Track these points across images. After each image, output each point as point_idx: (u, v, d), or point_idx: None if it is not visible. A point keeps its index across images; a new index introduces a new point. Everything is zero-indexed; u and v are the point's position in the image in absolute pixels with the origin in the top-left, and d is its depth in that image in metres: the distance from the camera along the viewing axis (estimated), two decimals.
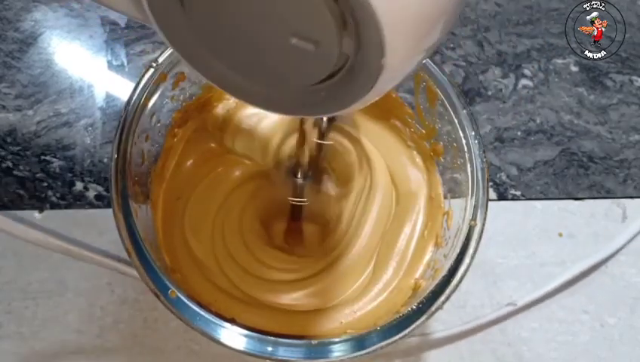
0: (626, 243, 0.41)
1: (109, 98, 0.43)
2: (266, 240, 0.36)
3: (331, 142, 0.37)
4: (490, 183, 0.43)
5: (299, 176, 0.34)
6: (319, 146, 0.36)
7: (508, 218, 0.42)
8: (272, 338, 0.27)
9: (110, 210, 0.29)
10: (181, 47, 0.20)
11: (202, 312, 0.27)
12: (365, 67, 0.17)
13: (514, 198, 0.43)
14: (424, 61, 0.19)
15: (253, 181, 0.37)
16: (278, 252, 0.35)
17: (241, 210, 0.36)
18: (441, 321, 0.38)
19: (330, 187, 0.38)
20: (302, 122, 0.29)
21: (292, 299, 0.34)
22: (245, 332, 0.27)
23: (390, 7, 0.14)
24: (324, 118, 0.33)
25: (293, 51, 0.17)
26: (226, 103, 0.38)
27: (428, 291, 0.29)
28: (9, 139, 0.41)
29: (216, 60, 0.19)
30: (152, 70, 0.32)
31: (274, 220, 0.37)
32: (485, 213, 0.30)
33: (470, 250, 0.30)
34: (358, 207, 0.37)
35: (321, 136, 0.35)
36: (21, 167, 0.40)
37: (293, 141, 0.37)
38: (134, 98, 0.31)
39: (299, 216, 0.37)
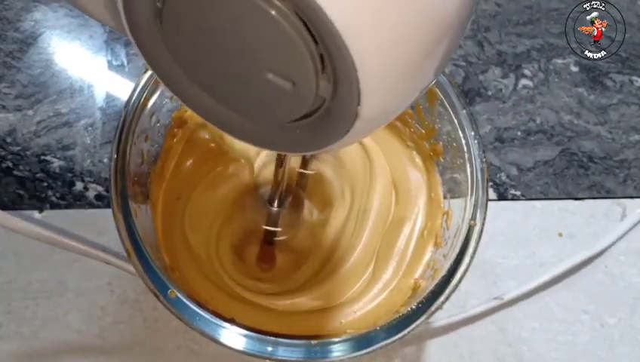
0: (626, 244, 0.41)
1: (109, 98, 0.43)
2: (241, 267, 0.36)
3: (313, 172, 0.37)
4: (490, 183, 0.43)
5: (274, 204, 0.34)
6: (301, 175, 0.36)
7: (508, 218, 0.42)
8: (272, 338, 0.27)
9: (110, 210, 0.29)
10: (156, 65, 0.19)
11: (202, 312, 0.27)
12: (341, 112, 0.17)
13: (514, 198, 0.43)
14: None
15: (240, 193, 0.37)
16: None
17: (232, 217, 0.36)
18: (442, 319, 0.38)
19: (307, 215, 0.37)
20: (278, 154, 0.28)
21: (292, 303, 0.34)
22: (245, 332, 0.27)
23: (368, 55, 0.14)
24: None
25: (270, 86, 0.16)
26: None
27: (427, 291, 0.29)
28: (9, 139, 0.41)
29: (191, 84, 0.19)
30: (151, 70, 0.32)
31: (246, 245, 0.36)
32: (485, 213, 0.30)
33: (470, 250, 0.30)
34: (358, 207, 0.37)
35: (304, 164, 0.35)
36: (21, 167, 0.40)
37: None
38: (134, 98, 0.31)
39: (271, 243, 0.37)
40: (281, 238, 0.36)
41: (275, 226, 0.35)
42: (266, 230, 0.35)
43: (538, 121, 0.45)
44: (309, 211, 0.37)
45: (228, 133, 0.21)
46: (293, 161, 0.36)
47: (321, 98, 0.17)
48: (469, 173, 0.32)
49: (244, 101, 0.18)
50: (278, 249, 0.37)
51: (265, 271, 0.36)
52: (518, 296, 0.38)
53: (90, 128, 0.41)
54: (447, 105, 0.33)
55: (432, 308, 0.28)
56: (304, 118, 0.18)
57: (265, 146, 0.21)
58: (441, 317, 0.37)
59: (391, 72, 0.15)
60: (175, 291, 0.28)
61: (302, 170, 0.36)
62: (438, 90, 0.33)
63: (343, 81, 0.15)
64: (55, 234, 0.34)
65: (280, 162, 0.29)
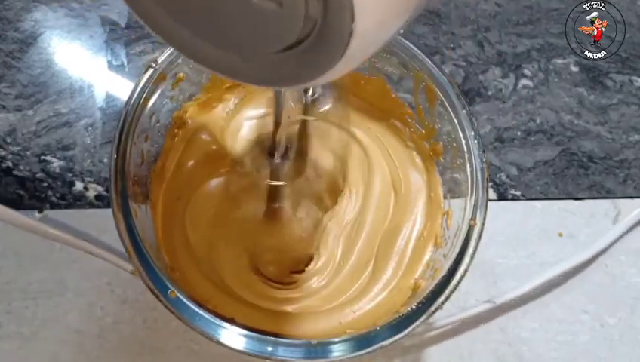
0: (626, 244, 0.41)
1: (109, 98, 0.43)
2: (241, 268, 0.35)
3: (314, 118, 0.35)
4: (490, 183, 0.43)
5: (276, 156, 0.32)
6: (303, 125, 0.34)
7: (508, 218, 0.42)
8: (272, 338, 0.27)
9: (110, 210, 0.29)
10: (138, 6, 0.18)
11: (202, 312, 0.27)
12: (334, 32, 0.15)
13: (514, 198, 0.43)
14: (401, 31, 0.17)
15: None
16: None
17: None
18: (440, 319, 0.37)
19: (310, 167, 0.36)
20: (275, 94, 0.27)
21: (293, 307, 0.34)
22: (245, 332, 0.27)
23: None
24: (308, 93, 0.32)
25: (257, 12, 0.15)
26: (226, 104, 0.38)
27: (427, 291, 0.29)
28: (9, 139, 0.41)
29: (173, 21, 0.18)
30: (151, 70, 0.32)
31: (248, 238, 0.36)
32: (485, 213, 0.30)
33: (470, 250, 0.30)
34: (357, 207, 0.37)
35: (305, 111, 0.33)
36: (21, 167, 0.40)
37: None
38: (134, 98, 0.31)
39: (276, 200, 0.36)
40: (285, 192, 0.35)
41: (278, 180, 0.34)
42: (270, 187, 0.34)
43: (538, 121, 0.45)
44: (312, 166, 0.36)
45: (222, 75, 0.20)
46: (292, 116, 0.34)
47: (311, 20, 0.16)
48: (469, 173, 0.32)
49: (234, 35, 0.17)
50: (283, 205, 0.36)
51: (272, 225, 0.35)
52: (515, 299, 0.38)
53: (90, 128, 0.41)
54: (447, 105, 0.33)
55: (432, 308, 0.28)
56: (295, 45, 0.17)
57: (258, 83, 0.20)
58: (440, 316, 0.37)
59: None
60: (175, 291, 0.28)
61: (305, 117, 0.34)
62: (438, 90, 0.33)
63: None
64: (59, 232, 0.34)
65: (277, 103, 0.27)
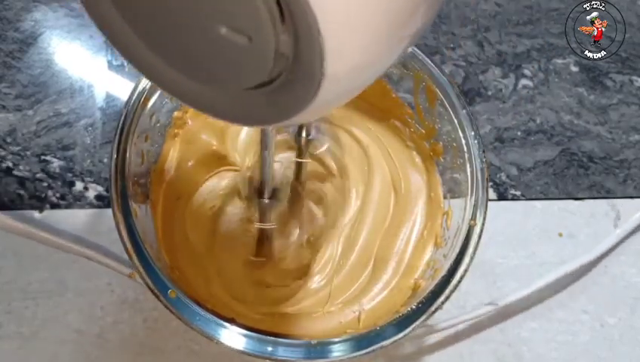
0: (626, 244, 0.41)
1: (109, 98, 0.43)
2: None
3: (309, 161, 0.35)
4: (490, 183, 0.43)
5: (264, 196, 0.31)
6: (298, 166, 0.34)
7: (508, 218, 0.42)
8: (272, 338, 0.27)
9: (110, 210, 0.29)
10: (106, 27, 0.18)
11: (202, 312, 0.27)
12: (305, 74, 0.15)
13: (514, 198, 0.43)
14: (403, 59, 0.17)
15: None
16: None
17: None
18: (441, 321, 0.37)
19: (305, 212, 0.36)
20: (262, 133, 0.26)
21: (292, 307, 0.34)
22: (245, 332, 0.27)
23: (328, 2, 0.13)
24: (302, 134, 0.31)
25: (227, 45, 0.15)
26: None
27: (427, 291, 0.29)
28: (9, 139, 0.41)
29: (148, 51, 0.18)
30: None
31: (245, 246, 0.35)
32: (485, 213, 0.30)
33: (470, 250, 0.30)
34: (357, 207, 0.37)
35: (300, 153, 0.33)
36: (21, 167, 0.40)
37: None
38: (134, 98, 0.31)
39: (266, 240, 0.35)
40: (278, 237, 0.35)
41: (267, 221, 0.33)
42: (260, 227, 0.34)
43: (538, 121, 0.45)
44: (307, 208, 0.36)
45: (195, 108, 0.19)
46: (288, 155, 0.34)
47: (283, 57, 0.15)
48: (469, 173, 0.32)
49: (204, 66, 0.17)
50: (274, 246, 0.35)
51: (260, 268, 0.35)
52: (516, 302, 0.38)
53: (90, 128, 0.41)
54: (447, 105, 0.33)
55: (432, 308, 0.28)
56: (268, 83, 0.16)
57: (230, 119, 0.19)
58: (440, 319, 0.37)
59: (356, 19, 0.13)
60: (175, 291, 0.28)
61: (298, 160, 0.34)
62: (438, 90, 0.33)
63: (304, 32, 0.14)
64: (54, 236, 0.34)
65: (264, 144, 0.26)
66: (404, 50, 0.17)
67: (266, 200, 0.31)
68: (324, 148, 0.35)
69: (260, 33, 0.14)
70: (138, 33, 0.17)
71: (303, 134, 0.32)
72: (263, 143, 0.26)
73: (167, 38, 0.17)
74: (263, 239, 0.35)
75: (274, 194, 0.31)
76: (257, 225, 0.34)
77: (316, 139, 0.34)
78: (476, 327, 0.38)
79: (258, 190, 0.31)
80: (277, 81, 0.16)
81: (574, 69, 0.47)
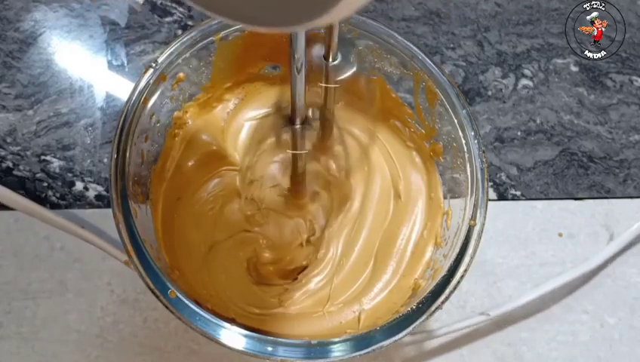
0: (626, 244, 0.41)
1: (109, 98, 0.43)
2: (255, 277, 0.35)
3: (337, 86, 0.33)
4: (490, 183, 0.43)
5: (296, 121, 0.31)
6: (326, 93, 0.33)
7: (508, 218, 0.42)
8: (272, 338, 0.27)
9: (110, 210, 0.29)
10: None
11: (202, 312, 0.27)
12: None
13: (514, 198, 0.43)
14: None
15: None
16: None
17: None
18: (441, 321, 0.38)
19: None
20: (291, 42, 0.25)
21: (293, 307, 0.34)
22: (245, 332, 0.27)
23: None
24: (329, 59, 0.31)
25: None
26: (226, 104, 0.38)
27: (427, 291, 0.29)
28: (9, 139, 0.41)
29: None
30: (151, 70, 0.32)
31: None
32: (485, 213, 0.30)
33: (470, 250, 0.30)
34: (357, 207, 0.37)
35: (327, 79, 0.32)
36: (21, 167, 0.40)
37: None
38: (134, 98, 0.31)
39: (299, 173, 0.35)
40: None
41: (300, 149, 0.32)
42: (294, 156, 0.33)
43: (538, 121, 0.45)
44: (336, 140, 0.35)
45: (221, 17, 0.18)
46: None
47: None
48: (469, 173, 0.32)
49: None
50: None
51: (299, 199, 0.35)
52: (517, 308, 0.37)
53: (90, 128, 0.41)
54: (447, 105, 0.33)
55: (432, 308, 0.28)
56: None
57: (265, 24, 0.18)
58: (440, 324, 0.37)
59: None
60: (175, 291, 0.28)
61: (325, 85, 0.33)
62: (438, 90, 0.33)
63: None
64: (49, 212, 0.34)
65: (294, 56, 0.26)
66: None
67: (298, 126, 0.31)
68: (350, 72, 0.34)
69: None
70: None
71: (330, 60, 0.31)
72: (293, 54, 0.25)
73: None
74: (297, 169, 0.34)
75: (305, 120, 0.31)
76: (290, 151, 0.33)
77: (341, 63, 0.33)
78: (476, 327, 0.38)
79: (290, 117, 0.31)
80: None
81: (574, 68, 0.47)
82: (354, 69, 0.33)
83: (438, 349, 0.38)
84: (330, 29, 0.29)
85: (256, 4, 0.17)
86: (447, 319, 0.38)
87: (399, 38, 0.34)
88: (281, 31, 0.24)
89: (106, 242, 0.35)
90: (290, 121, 0.31)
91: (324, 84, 0.32)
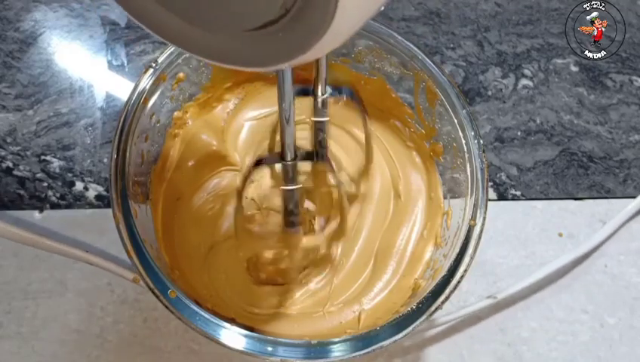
0: (626, 243, 0.41)
1: (109, 98, 0.43)
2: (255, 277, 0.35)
3: (328, 119, 0.33)
4: (490, 183, 0.43)
5: (287, 157, 0.30)
6: (317, 128, 0.33)
7: (508, 218, 0.42)
8: (272, 338, 0.27)
9: (110, 210, 0.29)
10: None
11: (202, 312, 0.27)
12: (318, 4, 0.15)
13: (514, 198, 0.43)
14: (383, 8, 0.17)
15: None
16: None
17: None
18: (442, 316, 0.37)
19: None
20: (278, 83, 0.25)
21: (292, 307, 0.34)
22: (245, 332, 0.27)
23: None
24: (318, 92, 0.30)
25: None
26: (226, 104, 0.38)
27: (427, 291, 0.29)
28: (9, 139, 0.41)
29: (163, 10, 0.18)
30: (151, 70, 0.32)
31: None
32: (485, 213, 0.30)
33: (470, 250, 0.30)
34: (357, 207, 0.37)
35: (317, 113, 0.32)
36: (21, 167, 0.40)
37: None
38: (134, 98, 0.31)
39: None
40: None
41: (294, 182, 0.31)
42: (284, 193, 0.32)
43: (538, 121, 0.45)
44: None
45: (204, 58, 0.19)
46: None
47: None
48: (469, 173, 0.32)
49: (204, 8, 0.17)
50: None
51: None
52: (514, 294, 0.38)
53: (90, 128, 0.41)
54: (447, 105, 0.33)
55: (432, 308, 0.28)
56: (280, 18, 0.16)
57: (246, 65, 0.19)
58: (440, 313, 0.37)
59: None
60: (175, 291, 0.28)
61: (316, 119, 0.32)
62: (438, 90, 0.33)
63: None
64: (56, 243, 0.34)
65: (280, 96, 0.25)
66: None
67: (289, 162, 0.30)
68: (339, 105, 0.34)
69: None
70: None
71: (319, 93, 0.30)
72: (280, 96, 0.25)
73: None
74: (291, 207, 0.33)
75: (297, 155, 0.30)
76: (283, 187, 0.32)
77: (332, 97, 0.33)
78: (476, 325, 0.38)
79: (280, 153, 0.30)
80: (290, 12, 0.16)
81: (574, 68, 0.47)
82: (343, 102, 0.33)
83: (438, 349, 0.37)
84: (316, 62, 0.29)
85: (236, 51, 0.18)
86: (448, 319, 0.38)
87: (399, 38, 0.34)
88: (265, 71, 0.24)
89: (112, 263, 0.34)
90: (280, 157, 0.30)
91: (314, 118, 0.32)
